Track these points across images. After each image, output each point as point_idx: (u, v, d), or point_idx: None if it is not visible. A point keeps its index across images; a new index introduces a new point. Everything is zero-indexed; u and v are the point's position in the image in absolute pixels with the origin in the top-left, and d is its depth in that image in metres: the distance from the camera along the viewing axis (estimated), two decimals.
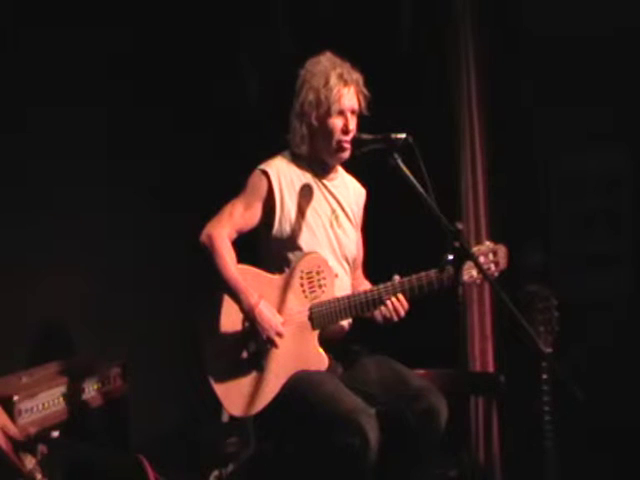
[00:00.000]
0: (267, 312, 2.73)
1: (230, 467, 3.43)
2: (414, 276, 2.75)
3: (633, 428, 3.62)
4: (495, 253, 2.81)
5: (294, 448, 2.83)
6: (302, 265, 2.81)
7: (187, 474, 3.35)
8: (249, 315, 2.72)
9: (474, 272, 2.75)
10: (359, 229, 3.05)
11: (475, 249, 2.76)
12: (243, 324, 2.78)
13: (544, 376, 2.90)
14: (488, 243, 2.85)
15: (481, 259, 2.74)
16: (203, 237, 2.77)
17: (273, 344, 2.73)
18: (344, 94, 2.80)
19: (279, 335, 2.72)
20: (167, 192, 3.95)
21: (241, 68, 4.36)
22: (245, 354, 2.78)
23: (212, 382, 2.78)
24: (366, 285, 2.99)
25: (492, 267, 2.78)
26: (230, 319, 2.79)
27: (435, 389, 2.75)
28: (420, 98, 4.04)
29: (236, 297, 2.73)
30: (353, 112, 2.83)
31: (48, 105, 3.34)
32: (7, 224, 3.15)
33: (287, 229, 2.83)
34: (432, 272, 2.72)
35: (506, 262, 2.82)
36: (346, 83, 2.80)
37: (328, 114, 2.80)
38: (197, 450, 3.69)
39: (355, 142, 2.79)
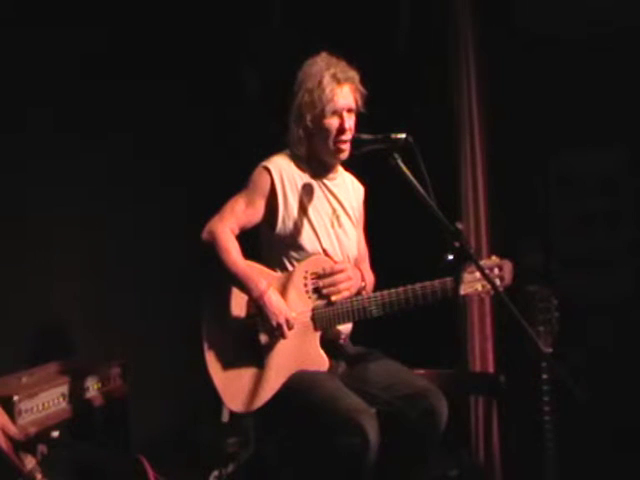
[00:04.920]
0: (276, 298, 2.73)
1: (230, 467, 3.43)
2: (418, 285, 2.75)
3: (633, 428, 3.62)
4: (501, 268, 2.82)
5: (294, 448, 2.84)
6: (306, 266, 2.82)
7: (187, 474, 3.35)
8: (258, 302, 2.71)
9: (479, 286, 2.76)
10: (360, 225, 3.06)
11: (481, 263, 2.75)
12: (246, 319, 2.78)
13: (544, 376, 2.90)
14: (494, 257, 2.86)
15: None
16: (205, 234, 2.77)
17: (281, 331, 2.72)
18: (337, 94, 2.78)
19: (287, 322, 2.72)
20: (167, 192, 3.95)
21: (241, 68, 4.36)
22: (247, 350, 2.78)
23: (213, 377, 2.78)
24: (369, 275, 3.00)
25: (497, 282, 2.78)
26: (232, 316, 2.79)
27: (435, 389, 2.75)
28: (420, 98, 4.04)
29: (245, 286, 2.72)
30: (350, 111, 2.82)
31: (48, 105, 3.34)
32: (7, 224, 3.16)
33: (290, 228, 2.83)
34: (436, 282, 2.73)
35: (511, 278, 2.82)
36: (339, 82, 2.79)
37: (322, 115, 2.79)
38: (197, 450, 3.69)
39: (355, 142, 2.78)
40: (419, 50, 4.09)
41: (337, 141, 2.80)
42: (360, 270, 2.94)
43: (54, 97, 3.37)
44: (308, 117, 2.80)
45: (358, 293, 2.87)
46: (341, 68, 2.81)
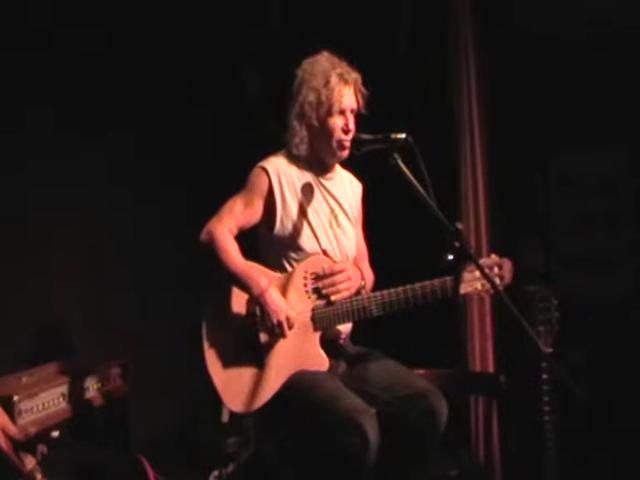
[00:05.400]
0: (277, 296, 2.73)
1: (230, 467, 3.43)
2: (418, 284, 2.75)
3: (633, 428, 3.62)
4: (500, 267, 2.81)
5: (294, 448, 2.84)
6: (306, 266, 2.81)
7: (187, 474, 3.35)
8: (259, 299, 2.71)
9: (478, 284, 2.76)
10: (359, 223, 3.06)
11: (480, 261, 2.75)
12: (246, 319, 2.78)
13: (544, 376, 2.90)
14: (494, 256, 2.85)
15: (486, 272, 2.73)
16: (204, 235, 2.77)
17: (282, 329, 2.72)
18: (344, 94, 2.80)
19: (288, 320, 2.72)
20: (167, 192, 3.95)
21: (241, 68, 4.36)
22: (247, 350, 2.78)
23: (213, 377, 2.79)
24: (369, 273, 3.00)
25: (497, 280, 2.77)
26: (233, 315, 2.79)
27: (435, 389, 2.75)
28: (420, 98, 4.04)
29: (246, 284, 2.73)
30: (352, 111, 2.83)
31: (48, 105, 3.34)
32: (7, 224, 3.16)
33: (289, 228, 2.83)
34: (436, 281, 2.73)
35: (511, 276, 2.82)
36: (346, 82, 2.81)
37: (329, 114, 2.80)
38: (197, 450, 3.69)
39: (355, 142, 2.78)
40: (419, 50, 4.09)
41: (340, 141, 2.81)
42: (359, 269, 2.94)
43: (54, 97, 3.37)
44: (313, 116, 2.81)
45: (358, 292, 2.88)
46: (346, 69, 2.82)
